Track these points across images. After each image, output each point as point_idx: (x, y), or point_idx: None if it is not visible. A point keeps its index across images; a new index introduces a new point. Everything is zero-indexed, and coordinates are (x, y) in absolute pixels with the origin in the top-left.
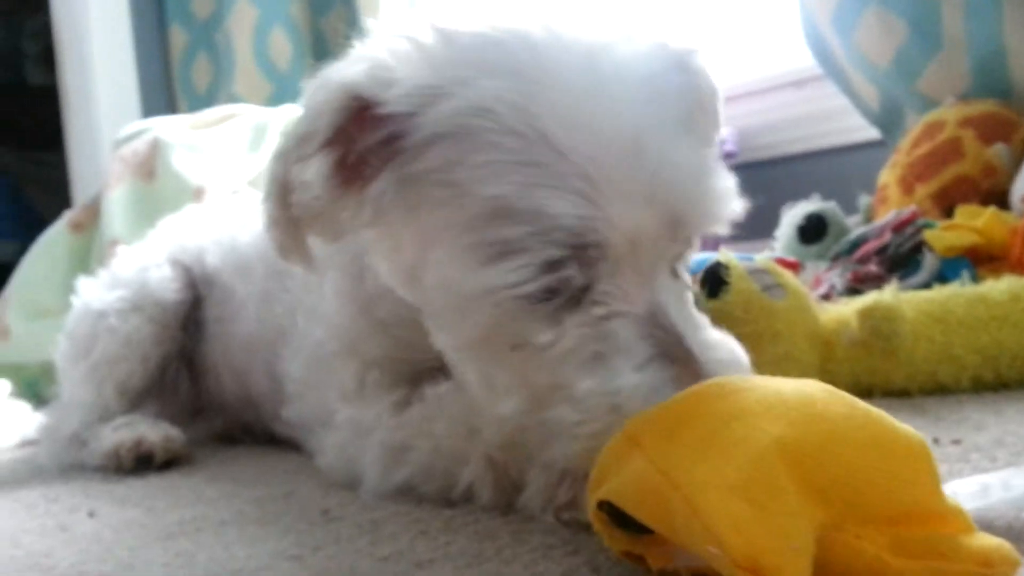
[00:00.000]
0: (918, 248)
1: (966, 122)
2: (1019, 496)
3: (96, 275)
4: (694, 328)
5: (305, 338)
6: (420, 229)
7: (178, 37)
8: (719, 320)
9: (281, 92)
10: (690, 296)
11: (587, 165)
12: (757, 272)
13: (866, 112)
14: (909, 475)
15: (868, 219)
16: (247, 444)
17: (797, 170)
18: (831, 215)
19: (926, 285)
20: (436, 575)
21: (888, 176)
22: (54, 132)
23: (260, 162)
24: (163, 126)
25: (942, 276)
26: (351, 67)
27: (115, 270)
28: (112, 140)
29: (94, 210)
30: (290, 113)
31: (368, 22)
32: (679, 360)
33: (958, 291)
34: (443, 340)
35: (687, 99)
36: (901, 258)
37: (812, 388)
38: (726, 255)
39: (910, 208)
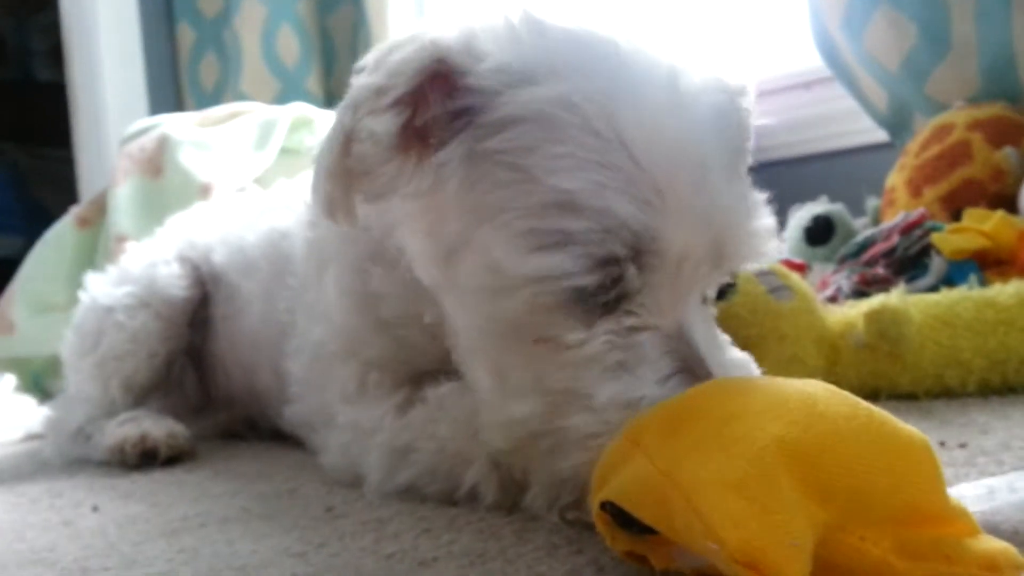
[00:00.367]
0: (926, 251)
1: (975, 125)
2: None
3: (103, 270)
4: (717, 349)
5: (305, 338)
6: (473, 206)
7: (186, 35)
8: (725, 322)
9: (288, 90)
10: (714, 322)
11: (658, 178)
12: (764, 274)
13: (875, 114)
14: (911, 475)
15: (876, 221)
16: (251, 440)
17: (805, 172)
18: (838, 217)
19: (933, 288)
20: (440, 573)
21: (896, 179)
22: (62, 128)
23: (267, 160)
24: (171, 123)
25: (950, 279)
26: (442, 30)
27: (124, 266)
28: (119, 137)
29: (101, 206)
30: (298, 111)
31: (374, 19)
32: (700, 378)
33: (966, 294)
34: (465, 322)
35: (738, 139)
36: (908, 261)
37: (814, 388)
38: None
39: (918, 211)
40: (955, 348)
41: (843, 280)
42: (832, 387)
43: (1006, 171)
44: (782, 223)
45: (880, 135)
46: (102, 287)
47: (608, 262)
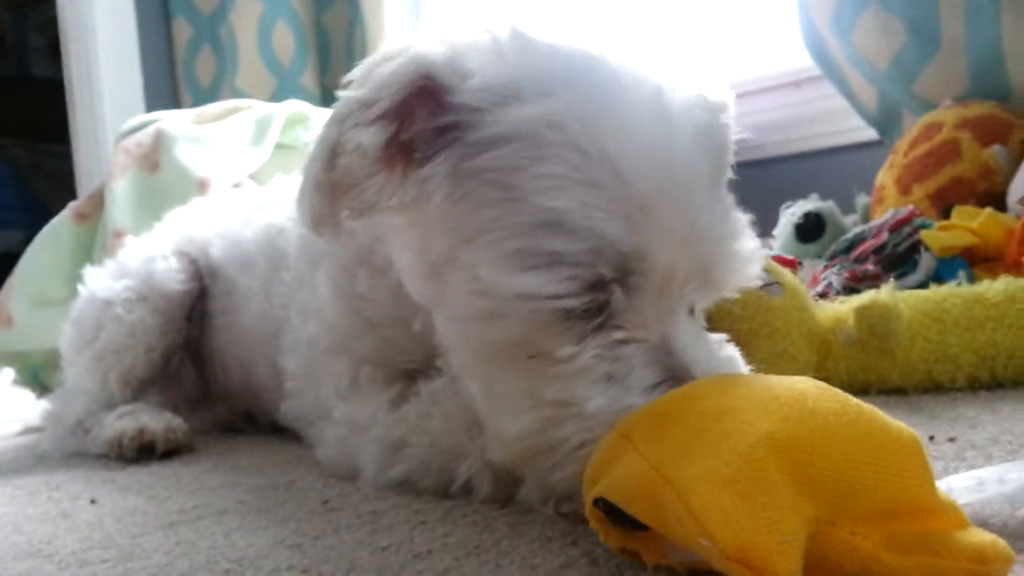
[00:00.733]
0: (915, 248)
1: (963, 123)
2: (1014, 490)
3: (102, 265)
4: (705, 354)
5: (300, 333)
6: (458, 224)
7: (182, 31)
8: (716, 317)
9: (284, 87)
10: (704, 330)
11: (644, 198)
12: None
13: (864, 113)
14: (901, 470)
15: (866, 219)
16: (249, 434)
17: (795, 169)
18: (829, 214)
19: (923, 284)
20: (434, 566)
21: (885, 176)
22: (59, 124)
23: (262, 156)
24: (167, 119)
25: (938, 276)
26: (429, 45)
27: (122, 260)
28: (116, 132)
29: (98, 200)
30: (293, 108)
31: (370, 16)
32: None
33: (955, 291)
34: (455, 339)
35: (720, 157)
36: (898, 257)
37: (804, 384)
38: None
39: (907, 208)
40: (944, 344)
41: (833, 276)
42: (822, 384)
43: (994, 169)
44: (773, 220)
45: (870, 133)
46: (100, 281)
47: (595, 285)
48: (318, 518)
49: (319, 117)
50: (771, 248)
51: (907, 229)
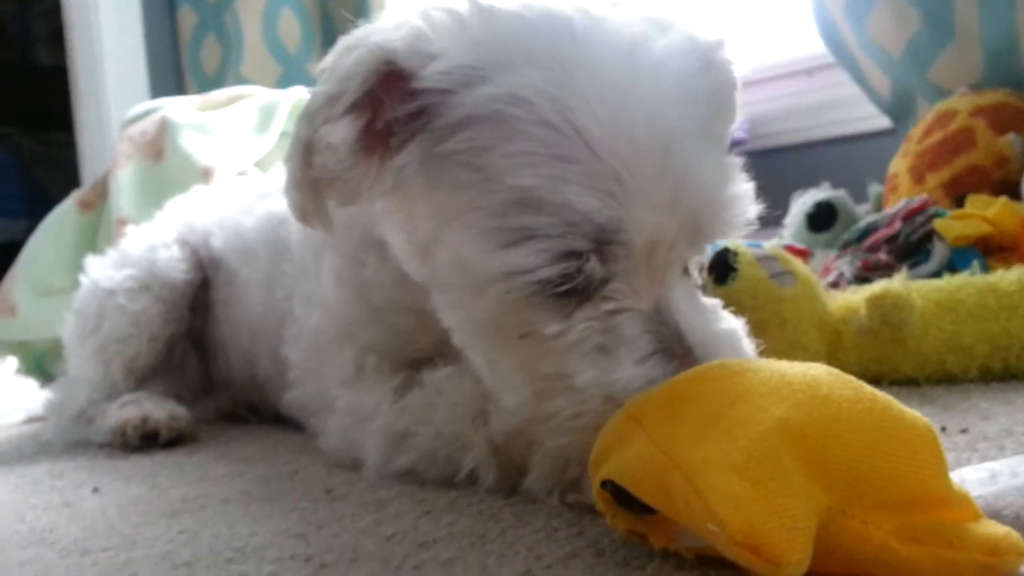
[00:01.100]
0: (928, 237)
1: (978, 111)
2: None
3: (105, 254)
4: (701, 324)
5: (303, 324)
6: (438, 207)
7: (187, 18)
8: (726, 307)
9: (290, 74)
10: (698, 292)
11: (619, 166)
12: (766, 259)
13: (877, 101)
14: (914, 459)
15: (878, 208)
16: (252, 423)
17: (807, 158)
18: (840, 203)
19: (936, 274)
20: (439, 555)
21: (899, 165)
22: (63, 112)
23: (267, 144)
24: (172, 106)
25: (952, 265)
26: (388, 31)
27: (124, 249)
28: (120, 120)
29: (102, 189)
30: (299, 95)
31: (375, 2)
32: (679, 356)
33: (968, 280)
34: (452, 319)
35: (712, 101)
36: (911, 247)
37: (818, 371)
38: (735, 241)
39: (921, 197)
40: (957, 334)
41: (845, 266)
42: (836, 371)
43: (1009, 158)
44: (785, 209)
45: (883, 121)
46: (102, 271)
47: (569, 255)
48: (322, 507)
49: None
50: (782, 237)
51: (920, 218)
